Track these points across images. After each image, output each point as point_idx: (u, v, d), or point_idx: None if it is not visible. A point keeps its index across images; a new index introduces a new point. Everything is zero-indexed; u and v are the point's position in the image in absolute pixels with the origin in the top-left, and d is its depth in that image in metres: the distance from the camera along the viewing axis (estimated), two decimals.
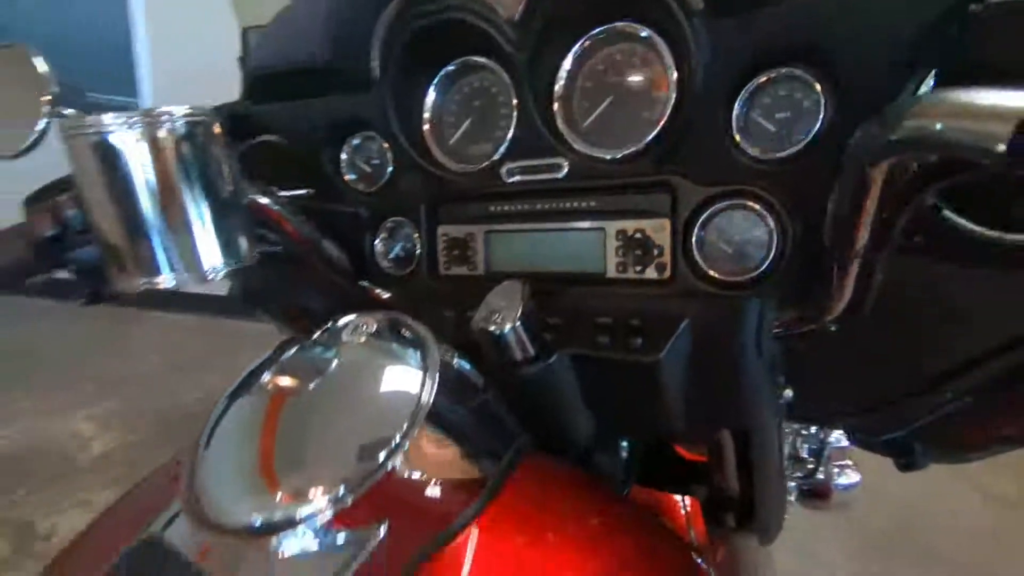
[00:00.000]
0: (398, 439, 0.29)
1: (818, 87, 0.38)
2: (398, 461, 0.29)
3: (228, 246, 0.40)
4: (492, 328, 0.40)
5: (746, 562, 0.66)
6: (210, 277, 0.38)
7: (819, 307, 0.38)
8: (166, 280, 0.37)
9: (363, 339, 0.35)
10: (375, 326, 0.36)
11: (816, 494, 0.75)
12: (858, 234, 0.33)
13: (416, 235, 0.53)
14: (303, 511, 0.27)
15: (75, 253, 0.41)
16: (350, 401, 0.32)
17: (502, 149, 0.48)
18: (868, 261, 0.34)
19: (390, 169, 0.54)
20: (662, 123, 0.43)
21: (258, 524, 0.27)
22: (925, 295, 0.40)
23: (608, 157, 0.45)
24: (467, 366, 0.40)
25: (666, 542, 0.45)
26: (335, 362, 0.34)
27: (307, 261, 0.53)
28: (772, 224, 0.40)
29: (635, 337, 0.43)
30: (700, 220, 0.43)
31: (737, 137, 0.41)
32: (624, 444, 0.55)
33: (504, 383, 0.42)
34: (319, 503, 0.28)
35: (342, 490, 0.28)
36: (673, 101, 0.43)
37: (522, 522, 0.34)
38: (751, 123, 0.41)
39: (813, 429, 0.74)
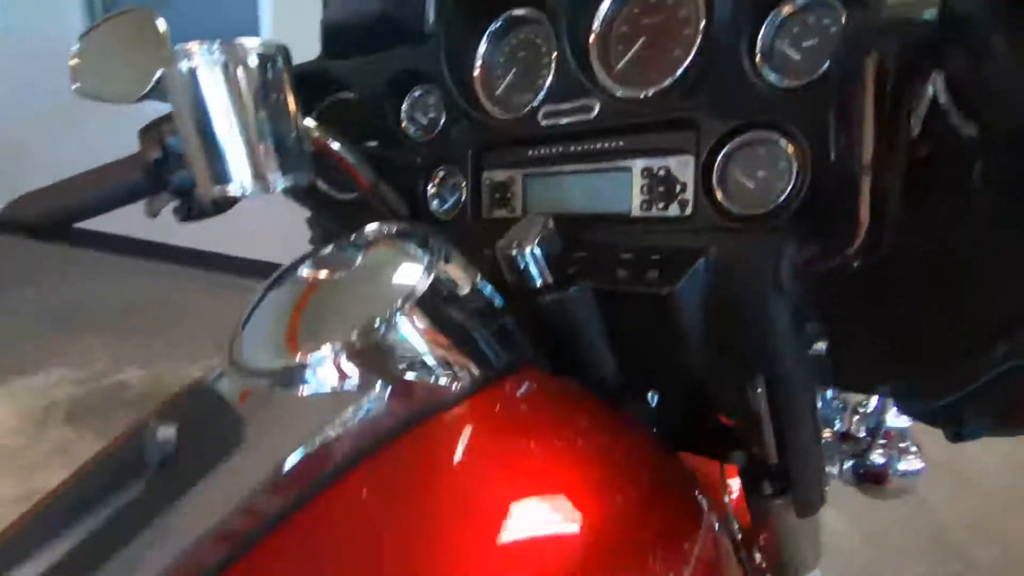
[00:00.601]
0: (387, 314, 0.36)
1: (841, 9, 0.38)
2: (390, 333, 0.36)
3: (288, 165, 0.46)
4: (513, 252, 0.44)
5: (783, 532, 0.64)
6: (271, 189, 0.45)
7: (839, 238, 0.38)
8: (235, 188, 0.44)
9: (385, 242, 0.40)
10: (396, 232, 0.41)
11: (871, 477, 0.71)
12: (861, 141, 0.32)
13: (463, 182, 0.57)
14: (313, 357, 0.35)
15: (175, 175, 0.49)
16: (364, 287, 0.40)
17: (541, 95, 0.52)
18: (879, 177, 0.33)
19: (443, 120, 0.59)
20: (689, 59, 0.45)
21: (280, 367, 0.36)
22: (965, 240, 0.38)
23: (638, 96, 0.47)
24: (488, 285, 0.43)
25: (677, 475, 0.46)
26: (359, 257, 0.39)
27: (366, 203, 0.59)
28: (793, 156, 0.40)
29: (653, 270, 0.43)
30: (723, 154, 0.43)
31: (761, 68, 0.42)
32: (654, 397, 0.56)
33: (526, 314, 0.45)
34: (325, 352, 0.36)
35: (343, 344, 0.36)
36: (700, 36, 0.44)
37: (512, 414, 0.37)
38: (776, 53, 0.41)
39: (870, 407, 0.71)
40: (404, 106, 0.62)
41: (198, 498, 0.34)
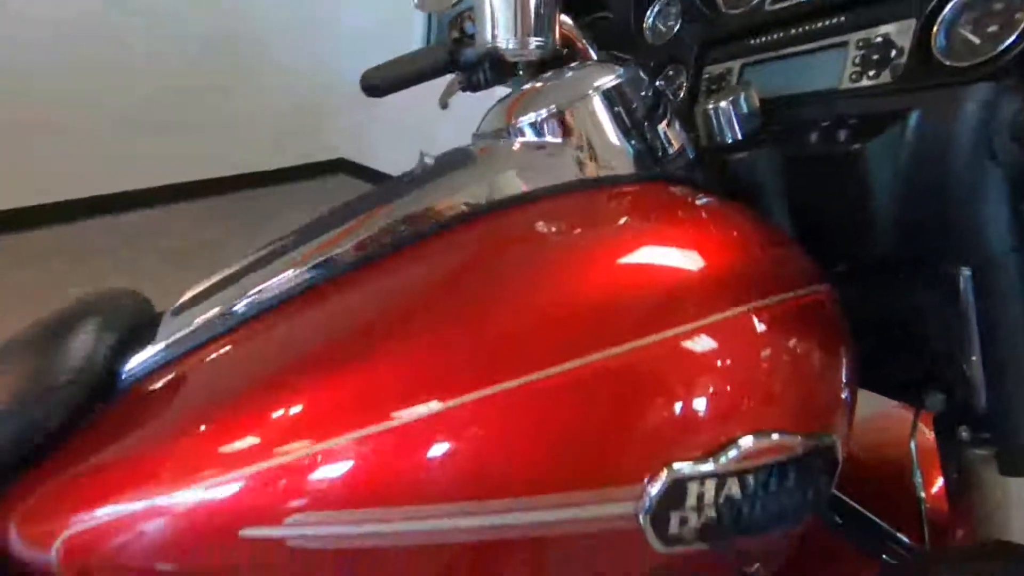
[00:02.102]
0: (575, 96, 0.49)
1: None
2: (576, 110, 0.49)
3: (540, 33, 0.57)
4: (709, 106, 0.50)
5: (981, 492, 0.49)
6: (527, 49, 0.57)
7: None
8: (506, 43, 0.57)
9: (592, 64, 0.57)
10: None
11: None
12: None
13: (686, 78, 0.64)
14: (519, 121, 0.50)
15: (466, 53, 0.63)
16: (567, 84, 0.52)
17: None
18: None
19: (677, 27, 0.65)
20: None
21: (497, 127, 0.52)
22: None
23: None
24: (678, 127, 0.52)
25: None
26: (571, 72, 0.53)
27: None
28: None
29: (847, 131, 0.43)
30: (951, 6, 0.41)
31: None
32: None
33: (715, 177, 0.50)
34: (527, 118, 0.50)
35: (540, 114, 0.49)
36: None
37: (665, 207, 0.46)
38: None
39: None
40: (648, 16, 0.69)
41: (414, 190, 0.47)
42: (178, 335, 0.43)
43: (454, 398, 0.35)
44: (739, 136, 0.50)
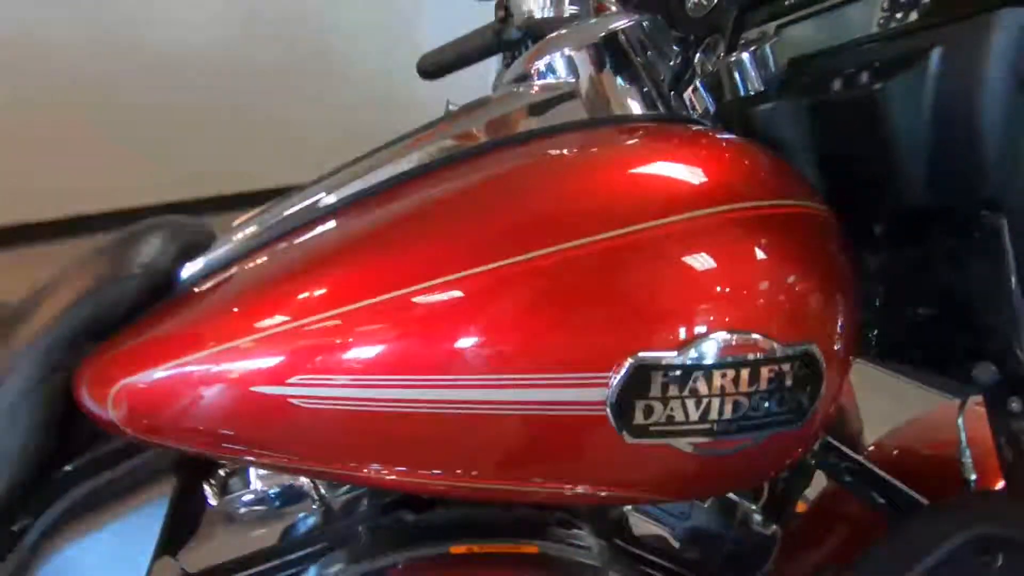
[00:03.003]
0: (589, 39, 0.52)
1: None
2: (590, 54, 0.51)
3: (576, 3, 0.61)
4: (731, 58, 0.51)
5: None
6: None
7: None
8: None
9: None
10: None
11: None
12: None
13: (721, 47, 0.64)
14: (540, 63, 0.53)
15: (510, 32, 0.67)
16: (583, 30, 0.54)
17: None
18: None
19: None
20: None
21: (520, 73, 0.55)
22: None
23: None
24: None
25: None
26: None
27: None
28: None
29: (868, 74, 0.42)
30: None
31: None
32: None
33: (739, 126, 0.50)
34: (543, 62, 0.53)
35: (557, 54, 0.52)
36: None
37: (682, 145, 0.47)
38: None
39: None
40: None
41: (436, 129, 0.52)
42: (227, 247, 0.51)
43: (434, 279, 0.39)
44: (760, 87, 0.50)
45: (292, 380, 0.40)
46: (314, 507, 0.54)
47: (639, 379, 0.38)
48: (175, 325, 0.45)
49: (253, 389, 0.41)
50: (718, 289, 0.40)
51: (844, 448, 0.66)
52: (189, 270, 0.50)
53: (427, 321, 0.40)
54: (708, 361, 0.39)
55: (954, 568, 0.42)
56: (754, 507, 0.61)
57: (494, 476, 0.44)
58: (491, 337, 0.39)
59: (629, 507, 0.59)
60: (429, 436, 0.42)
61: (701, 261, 0.40)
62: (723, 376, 0.39)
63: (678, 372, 0.39)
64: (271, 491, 0.52)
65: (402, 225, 0.44)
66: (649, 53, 0.53)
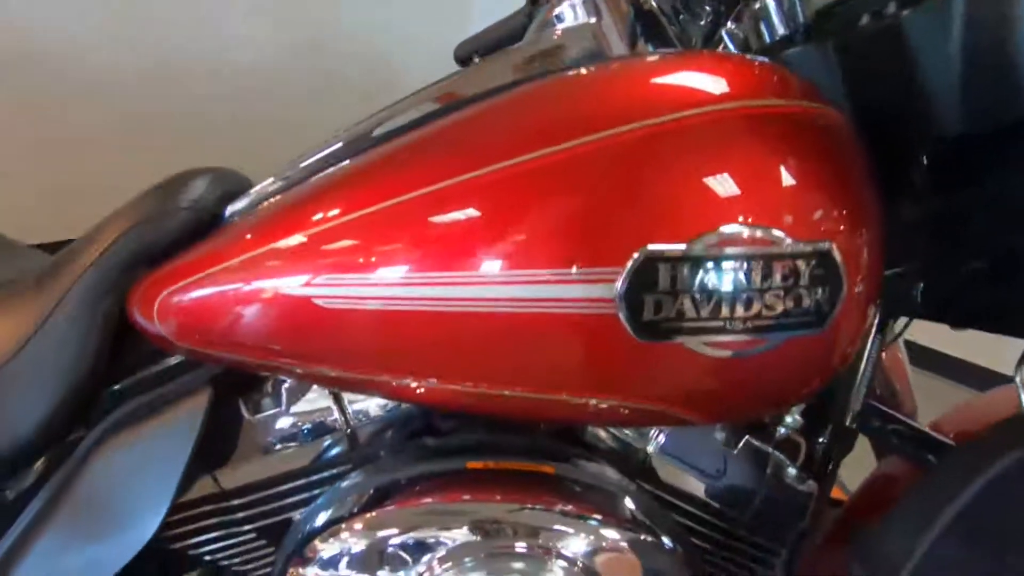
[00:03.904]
0: None
1: None
2: None
3: None
4: (756, 5, 0.51)
5: None
6: None
7: None
8: None
9: None
10: None
11: None
12: None
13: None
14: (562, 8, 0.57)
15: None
16: None
17: None
18: None
19: None
20: None
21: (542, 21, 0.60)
22: None
23: None
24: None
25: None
26: None
27: None
28: None
29: (895, 3, 0.41)
30: None
31: None
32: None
33: None
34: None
35: None
36: None
37: None
38: None
39: None
40: None
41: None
42: (265, 189, 0.55)
43: (444, 180, 0.42)
44: (785, 31, 0.49)
45: (316, 280, 0.43)
46: (342, 435, 0.56)
47: (647, 271, 0.38)
48: (210, 245, 0.50)
49: (280, 292, 0.44)
50: (728, 182, 0.39)
51: (889, 410, 0.63)
52: (231, 208, 0.55)
53: (437, 221, 0.41)
54: (717, 253, 0.38)
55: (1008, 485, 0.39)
56: (790, 463, 0.59)
57: (514, 382, 0.44)
58: (502, 234, 0.40)
59: (655, 451, 0.57)
60: (445, 337, 0.43)
61: (710, 155, 0.40)
62: (734, 270, 0.39)
63: (687, 264, 0.38)
64: (301, 415, 0.55)
65: (414, 141, 0.46)
66: (681, 17, 0.54)
